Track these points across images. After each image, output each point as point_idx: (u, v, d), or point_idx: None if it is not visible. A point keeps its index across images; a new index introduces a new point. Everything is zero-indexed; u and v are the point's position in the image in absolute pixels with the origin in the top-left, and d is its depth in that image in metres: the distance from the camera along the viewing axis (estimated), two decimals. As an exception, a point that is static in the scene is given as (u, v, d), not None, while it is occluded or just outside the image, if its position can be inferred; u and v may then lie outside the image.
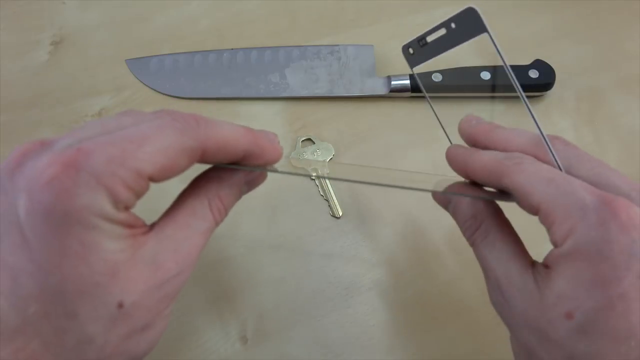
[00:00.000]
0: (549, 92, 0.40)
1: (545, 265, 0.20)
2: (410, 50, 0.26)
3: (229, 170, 0.23)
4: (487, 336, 0.32)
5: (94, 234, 0.17)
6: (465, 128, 0.25)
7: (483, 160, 0.22)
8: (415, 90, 0.39)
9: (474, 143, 0.25)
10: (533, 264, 0.21)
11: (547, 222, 0.19)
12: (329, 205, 0.36)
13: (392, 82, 0.40)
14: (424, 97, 0.41)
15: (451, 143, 0.26)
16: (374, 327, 0.32)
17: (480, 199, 0.23)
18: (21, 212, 0.17)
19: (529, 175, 0.20)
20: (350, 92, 0.40)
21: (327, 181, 0.36)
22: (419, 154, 0.38)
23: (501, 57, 0.21)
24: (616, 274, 0.18)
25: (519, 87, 0.21)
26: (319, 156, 0.38)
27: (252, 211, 0.36)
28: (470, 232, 0.24)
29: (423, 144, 0.39)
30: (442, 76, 0.39)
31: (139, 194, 0.18)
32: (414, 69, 0.27)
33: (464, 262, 0.34)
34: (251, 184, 0.24)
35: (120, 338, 0.18)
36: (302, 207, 0.36)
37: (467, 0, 0.48)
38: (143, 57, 0.42)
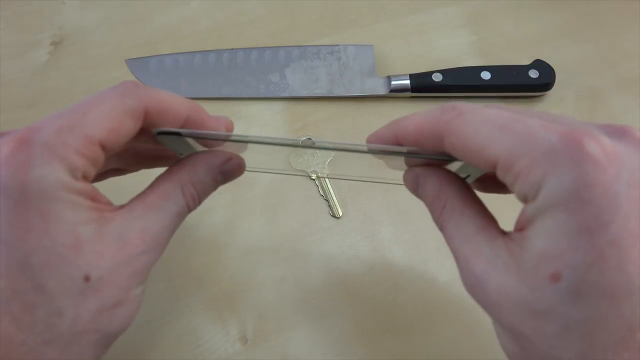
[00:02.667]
0: (549, 92, 0.40)
1: (519, 228, 0.17)
2: None
3: (204, 158, 0.23)
4: (487, 336, 0.32)
5: (54, 205, 0.17)
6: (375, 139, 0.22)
7: (415, 121, 0.20)
8: (416, 90, 0.39)
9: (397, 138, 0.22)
10: (504, 233, 0.18)
11: (510, 176, 0.17)
12: (329, 205, 0.36)
13: (392, 82, 0.39)
14: (424, 97, 0.41)
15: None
16: (374, 327, 0.32)
17: (421, 156, 0.21)
18: None
19: (475, 126, 0.17)
20: (350, 92, 0.40)
21: (327, 181, 0.36)
22: (419, 154, 0.38)
23: None
24: (603, 219, 0.15)
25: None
26: (319, 157, 0.38)
27: (252, 211, 0.36)
28: (437, 213, 0.21)
29: (423, 144, 0.39)
30: (442, 76, 0.39)
31: (94, 162, 0.19)
32: None
33: (464, 262, 0.34)
34: (228, 174, 0.24)
35: (91, 313, 0.18)
36: (302, 207, 0.36)
37: (466, 0, 0.48)
38: (143, 57, 0.42)
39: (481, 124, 0.17)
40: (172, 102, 0.21)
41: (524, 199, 0.17)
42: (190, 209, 0.23)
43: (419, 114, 0.20)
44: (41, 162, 0.17)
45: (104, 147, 0.19)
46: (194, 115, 0.22)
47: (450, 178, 0.21)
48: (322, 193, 0.36)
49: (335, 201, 0.36)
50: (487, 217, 0.20)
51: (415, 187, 0.23)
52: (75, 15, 0.44)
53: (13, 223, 0.17)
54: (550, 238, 0.16)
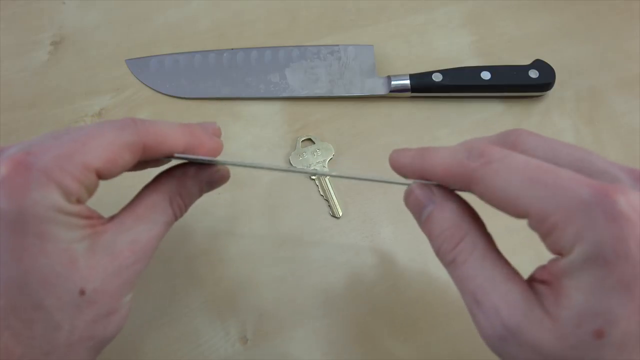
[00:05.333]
0: (549, 92, 0.40)
1: (544, 281, 0.17)
2: None
3: (191, 168, 0.24)
4: (487, 336, 0.32)
5: (50, 227, 0.18)
6: (398, 158, 0.22)
7: (441, 163, 0.20)
8: (415, 90, 0.39)
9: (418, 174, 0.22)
10: (529, 284, 0.18)
11: (544, 229, 0.17)
12: (329, 205, 0.36)
13: (392, 82, 0.39)
14: (424, 97, 0.41)
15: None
16: (374, 327, 0.32)
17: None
18: None
19: (505, 177, 0.17)
20: (350, 92, 0.40)
21: (327, 181, 0.36)
22: (419, 154, 0.38)
23: None
24: (638, 272, 0.16)
25: None
26: (319, 156, 0.38)
27: (252, 211, 0.36)
28: (450, 245, 0.20)
29: (423, 144, 0.39)
30: (442, 76, 0.39)
31: (89, 189, 0.20)
32: None
33: (464, 262, 0.34)
34: (212, 184, 0.25)
35: (86, 323, 0.19)
36: (302, 207, 0.36)
37: (466, 0, 0.48)
38: (143, 57, 0.42)
39: (510, 175, 0.17)
40: (169, 134, 0.22)
41: (559, 252, 0.17)
42: (176, 218, 0.24)
43: (445, 153, 0.20)
44: (38, 186, 0.18)
45: (99, 175, 0.20)
46: (192, 140, 0.23)
47: (468, 208, 0.21)
48: (322, 193, 0.36)
49: (335, 201, 0.36)
50: (509, 264, 0.19)
51: (419, 209, 0.22)
52: (76, 15, 0.44)
53: (10, 244, 0.18)
54: (590, 294, 0.16)
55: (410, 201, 0.22)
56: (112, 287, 0.20)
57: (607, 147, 0.39)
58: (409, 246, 0.35)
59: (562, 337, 0.16)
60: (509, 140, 0.20)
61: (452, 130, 0.39)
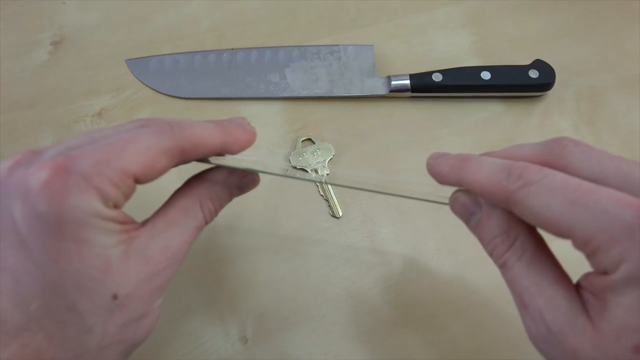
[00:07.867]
0: (549, 92, 0.40)
1: (593, 292, 0.18)
2: None
3: (222, 173, 0.24)
4: (487, 336, 0.32)
5: (87, 231, 0.18)
6: (435, 166, 0.22)
7: (478, 178, 0.20)
8: (415, 90, 0.39)
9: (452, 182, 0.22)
10: (577, 290, 0.18)
11: (587, 250, 0.17)
12: (329, 205, 0.36)
13: (392, 82, 0.39)
14: (424, 97, 0.41)
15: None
16: (374, 327, 0.32)
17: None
18: (17, 216, 0.18)
19: (544, 200, 0.17)
20: (350, 92, 0.40)
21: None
22: (419, 155, 0.38)
23: None
24: None
25: None
26: (319, 156, 0.38)
27: (252, 211, 0.36)
28: (501, 250, 0.20)
29: (423, 144, 0.39)
30: (442, 76, 0.39)
31: (126, 194, 0.20)
32: None
33: (464, 262, 0.34)
34: (243, 188, 0.25)
35: (117, 327, 0.20)
36: (302, 207, 0.36)
37: (466, 0, 0.48)
38: (143, 57, 0.42)
39: (550, 197, 0.17)
40: (205, 136, 0.22)
41: (604, 271, 0.17)
42: (207, 222, 0.24)
43: (485, 170, 0.20)
44: (77, 191, 0.18)
45: (137, 180, 0.20)
46: (227, 138, 0.22)
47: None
48: (322, 193, 0.36)
49: (335, 201, 0.36)
50: (560, 267, 0.20)
51: (467, 216, 0.22)
52: (76, 15, 0.44)
53: (48, 248, 0.18)
54: (631, 311, 0.16)
55: (457, 208, 0.22)
56: (144, 292, 0.20)
57: (607, 147, 0.39)
58: (409, 246, 0.35)
59: (602, 347, 0.17)
60: (555, 152, 0.20)
61: (452, 130, 0.39)
